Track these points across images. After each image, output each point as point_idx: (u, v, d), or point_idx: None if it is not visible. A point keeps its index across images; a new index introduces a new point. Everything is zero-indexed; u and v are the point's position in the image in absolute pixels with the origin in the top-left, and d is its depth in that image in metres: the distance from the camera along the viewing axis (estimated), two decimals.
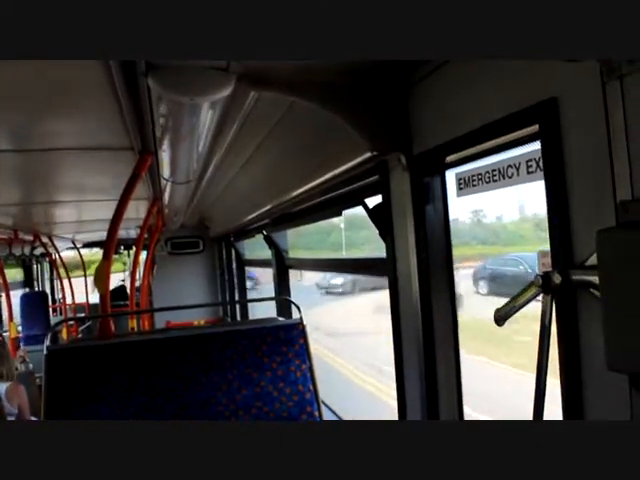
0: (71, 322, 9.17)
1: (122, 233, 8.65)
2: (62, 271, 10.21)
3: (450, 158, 1.94)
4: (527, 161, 1.63)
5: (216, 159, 3.22)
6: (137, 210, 5.56)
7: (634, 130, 1.14)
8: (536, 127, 1.45)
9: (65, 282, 9.89)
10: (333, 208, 3.27)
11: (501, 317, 1.46)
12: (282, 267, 5.06)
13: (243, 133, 2.70)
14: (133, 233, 8.29)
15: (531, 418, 1.38)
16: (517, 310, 1.44)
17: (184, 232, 8.88)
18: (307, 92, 1.98)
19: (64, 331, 8.59)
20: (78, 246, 11.17)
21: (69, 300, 10.40)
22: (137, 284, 8.10)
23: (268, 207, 4.05)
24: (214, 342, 3.27)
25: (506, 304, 1.46)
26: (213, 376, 3.21)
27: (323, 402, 3.48)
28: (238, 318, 7.85)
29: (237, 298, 7.85)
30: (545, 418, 1.39)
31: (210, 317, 8.36)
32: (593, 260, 1.25)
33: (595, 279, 1.19)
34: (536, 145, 1.53)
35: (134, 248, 8.06)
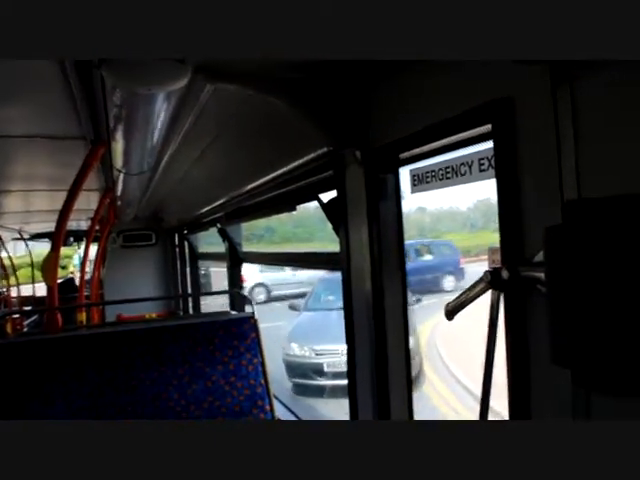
0: (16, 315, 8.92)
1: (72, 224, 8.45)
2: (7, 262, 9.91)
3: (406, 155, 1.96)
4: (479, 159, 1.66)
5: (171, 150, 3.18)
6: (88, 201, 5.44)
7: (582, 132, 1.17)
8: (489, 126, 1.47)
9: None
10: (288, 202, 3.27)
11: (451, 311, 1.49)
12: (236, 260, 5.04)
13: (198, 125, 2.67)
14: (84, 225, 8.11)
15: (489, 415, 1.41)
16: (467, 304, 1.47)
17: (137, 224, 8.73)
18: (264, 86, 1.97)
19: (9, 325, 8.35)
20: (25, 237, 10.86)
21: (14, 293, 10.11)
22: (88, 277, 7.93)
23: (222, 200, 4.03)
24: (165, 335, 3.24)
25: (456, 299, 1.49)
26: (164, 370, 3.18)
27: (275, 396, 3.48)
28: (191, 312, 7.77)
29: (190, 291, 7.78)
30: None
31: (162, 310, 8.26)
32: (541, 257, 1.29)
33: (542, 275, 1.23)
34: (489, 143, 1.56)
35: (85, 240, 7.89)
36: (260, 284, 14.73)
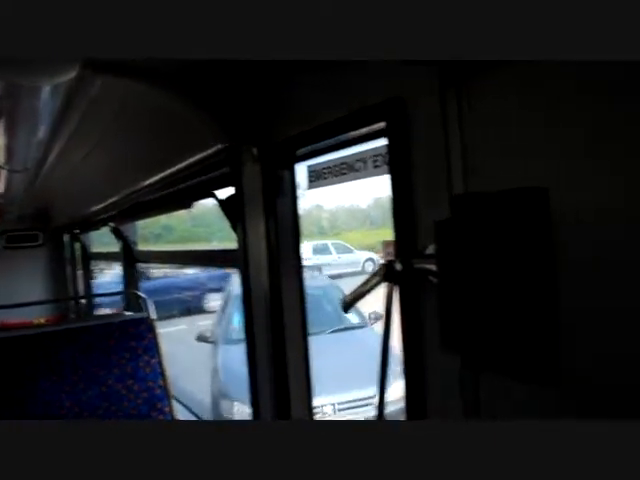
0: None
1: None
2: None
3: (303, 151, 1.97)
4: (374, 156, 1.70)
5: (59, 146, 3.04)
6: None
7: (469, 131, 1.23)
8: (384, 124, 1.51)
9: None
10: (184, 200, 3.21)
11: (347, 305, 1.52)
12: (131, 260, 4.89)
13: (89, 119, 2.57)
14: None
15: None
16: (362, 297, 1.51)
17: (22, 224, 8.25)
18: (157, 81, 1.93)
19: None
20: None
21: None
22: None
23: (116, 198, 3.90)
24: (56, 341, 3.10)
25: (352, 292, 1.52)
26: (55, 378, 3.03)
27: (174, 397, 3.42)
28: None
29: (82, 293, 7.47)
30: None
31: (53, 315, 7.86)
32: (433, 249, 1.34)
33: (434, 267, 1.28)
34: (384, 140, 1.60)
35: None
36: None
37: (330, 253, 17.63)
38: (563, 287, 1.03)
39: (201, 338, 8.12)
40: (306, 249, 17.10)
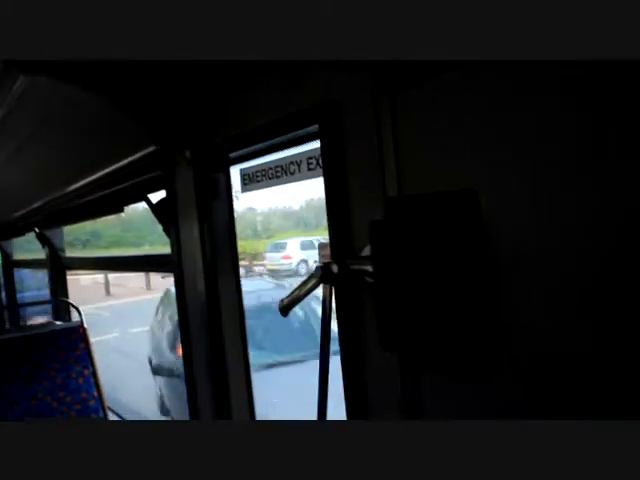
0: None
1: None
2: None
3: (236, 154, 1.96)
4: (308, 158, 1.71)
5: None
6: None
7: (401, 136, 1.26)
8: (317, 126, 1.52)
9: None
10: (115, 204, 3.13)
11: (285, 307, 1.52)
12: (58, 267, 4.73)
13: (12, 119, 2.47)
14: None
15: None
16: (300, 300, 1.51)
17: None
18: (86, 81, 1.87)
19: None
20: None
21: None
22: None
23: (42, 202, 3.76)
24: None
25: (289, 295, 1.52)
26: None
27: (110, 408, 3.33)
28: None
29: (5, 303, 7.15)
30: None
31: None
32: (368, 251, 1.36)
33: (370, 268, 1.30)
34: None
35: None
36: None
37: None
38: (496, 286, 1.07)
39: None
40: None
